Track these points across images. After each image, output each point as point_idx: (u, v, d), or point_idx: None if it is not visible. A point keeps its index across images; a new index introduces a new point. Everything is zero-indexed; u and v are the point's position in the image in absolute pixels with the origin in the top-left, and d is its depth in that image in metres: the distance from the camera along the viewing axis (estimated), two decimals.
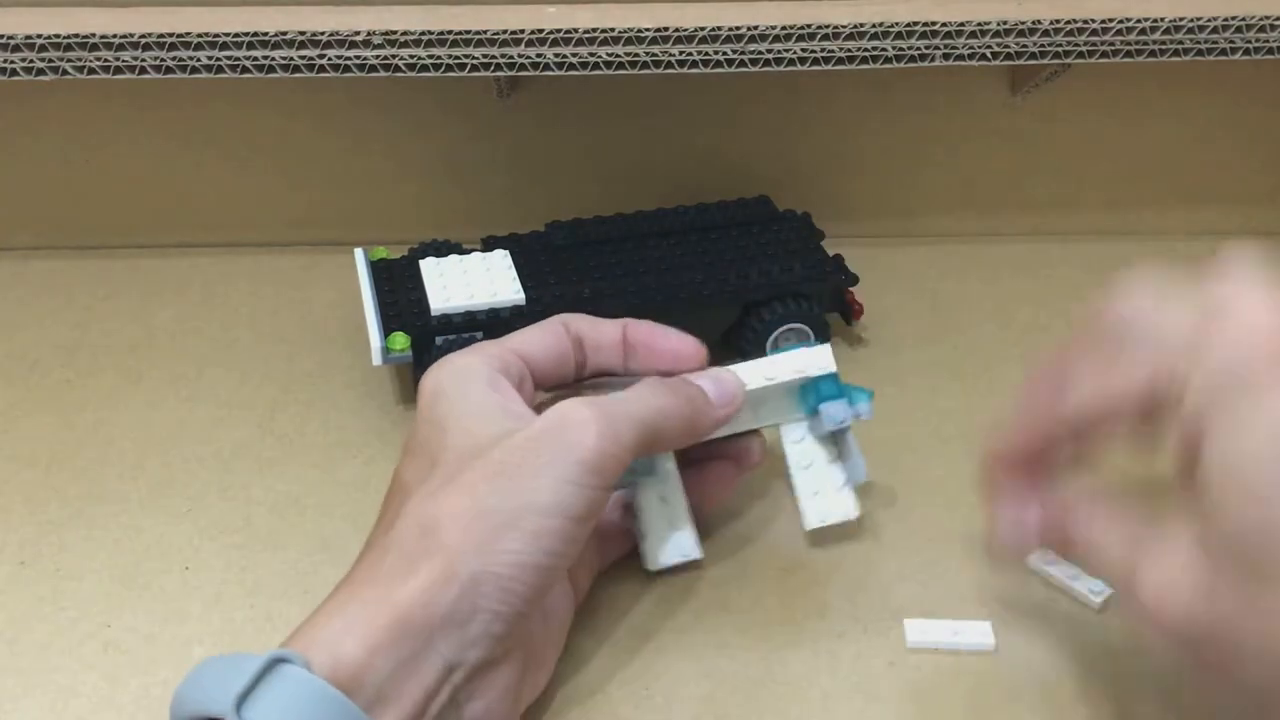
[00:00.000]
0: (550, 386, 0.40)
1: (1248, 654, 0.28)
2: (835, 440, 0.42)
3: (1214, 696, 0.30)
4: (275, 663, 0.29)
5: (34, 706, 0.37)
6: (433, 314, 0.48)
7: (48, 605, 0.40)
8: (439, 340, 0.47)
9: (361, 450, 0.47)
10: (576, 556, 0.35)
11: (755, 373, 0.41)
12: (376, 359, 0.46)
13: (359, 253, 0.52)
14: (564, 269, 0.51)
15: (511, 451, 0.33)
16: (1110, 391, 0.31)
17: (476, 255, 0.51)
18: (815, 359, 0.41)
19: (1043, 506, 0.35)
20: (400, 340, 0.47)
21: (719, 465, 0.42)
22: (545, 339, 0.39)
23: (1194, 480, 0.28)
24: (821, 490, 0.42)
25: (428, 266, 0.50)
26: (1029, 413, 0.34)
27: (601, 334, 0.40)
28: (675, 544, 0.40)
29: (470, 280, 0.49)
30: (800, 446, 0.42)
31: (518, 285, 0.49)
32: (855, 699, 0.37)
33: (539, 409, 0.37)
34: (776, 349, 0.48)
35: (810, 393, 0.41)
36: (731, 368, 0.41)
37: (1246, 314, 0.28)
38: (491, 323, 0.48)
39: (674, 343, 0.41)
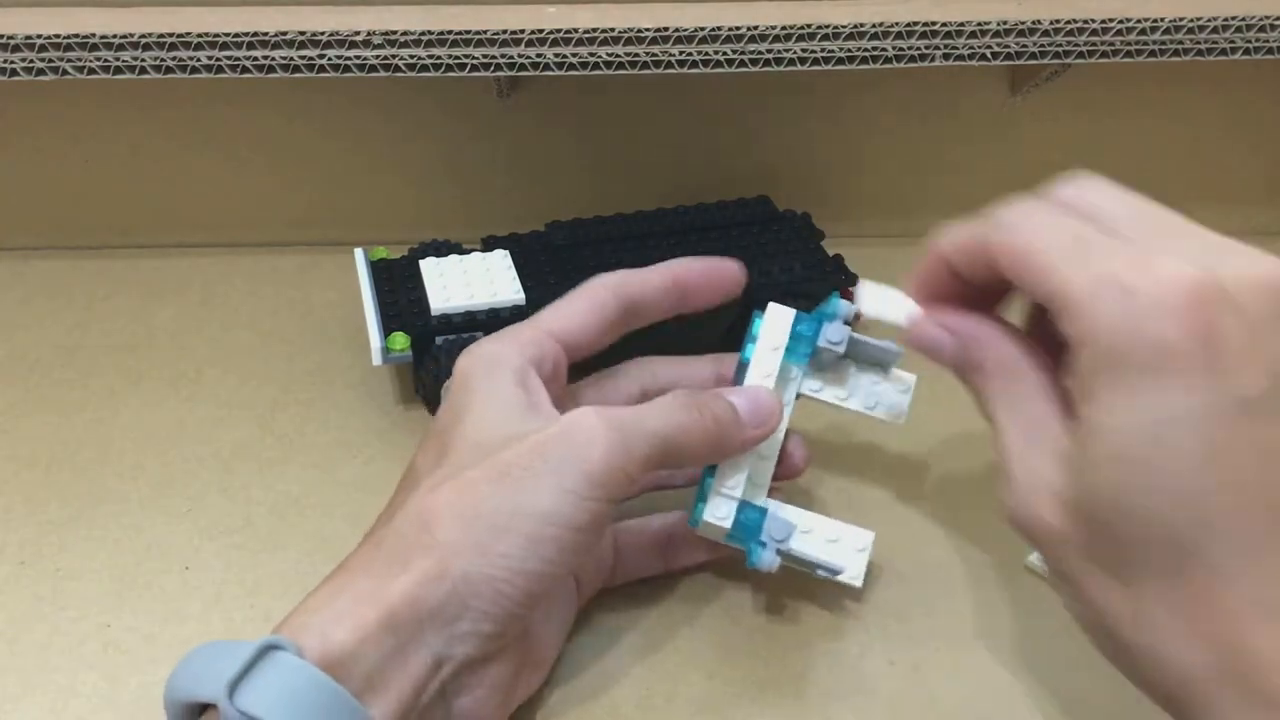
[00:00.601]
0: (591, 355, 0.39)
1: (1079, 596, 0.30)
2: (852, 357, 0.40)
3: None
4: (267, 649, 0.29)
5: (34, 706, 0.37)
6: (433, 314, 0.48)
7: (48, 605, 0.40)
8: (439, 340, 0.47)
9: (361, 450, 0.47)
10: (577, 565, 0.34)
11: (760, 374, 0.39)
12: (376, 359, 0.46)
13: (359, 253, 0.52)
14: (564, 269, 0.51)
15: (518, 454, 0.33)
16: (1023, 249, 0.31)
17: (476, 255, 0.51)
18: (779, 322, 0.39)
19: (972, 324, 0.35)
20: (400, 340, 0.47)
21: None
22: (587, 317, 0.38)
23: (1078, 407, 0.29)
24: (878, 397, 0.40)
25: (428, 266, 0.50)
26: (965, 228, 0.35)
27: (652, 287, 0.39)
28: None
29: (470, 280, 0.49)
30: (828, 389, 0.41)
31: (518, 285, 0.49)
32: (855, 699, 0.37)
33: (572, 396, 0.38)
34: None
35: (797, 346, 0.39)
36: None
37: (1156, 294, 0.27)
38: (491, 323, 0.48)
39: (723, 273, 0.40)
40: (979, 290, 0.35)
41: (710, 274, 0.40)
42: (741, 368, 0.39)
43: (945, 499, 0.44)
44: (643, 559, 0.40)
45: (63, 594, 0.41)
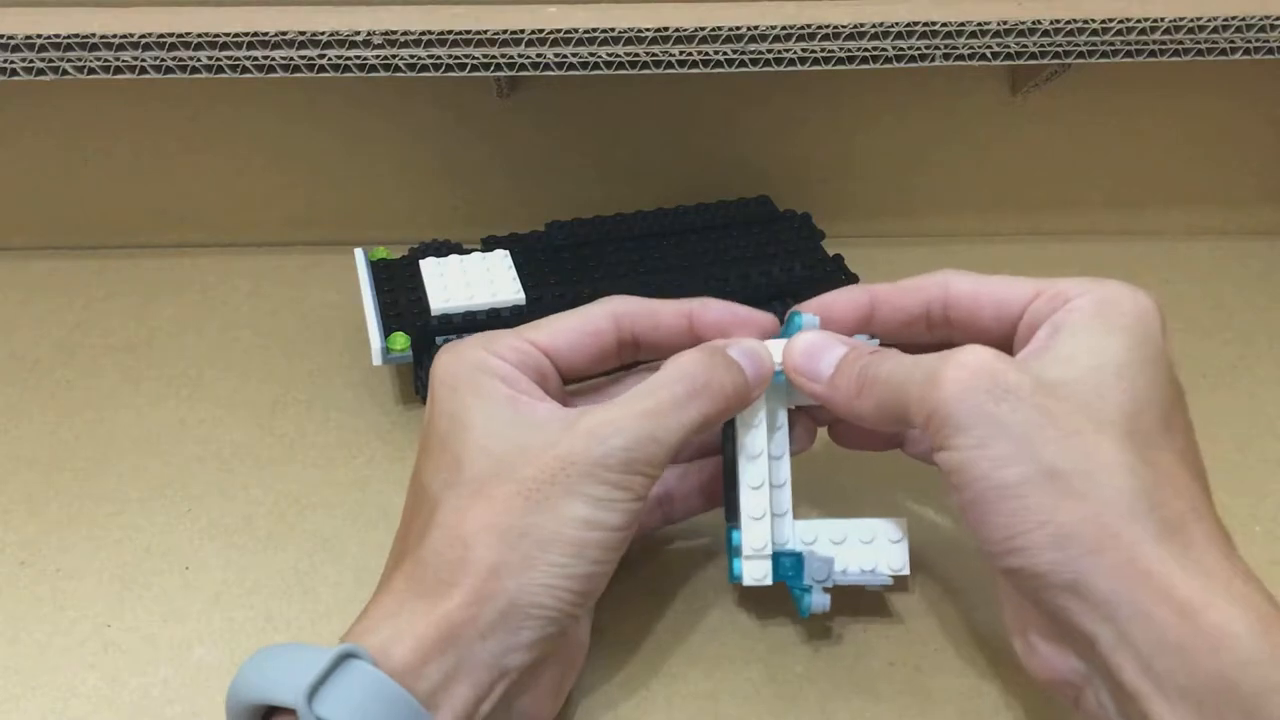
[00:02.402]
0: (584, 378, 0.39)
1: (1050, 438, 0.31)
2: None
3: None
4: (345, 657, 0.29)
5: (34, 706, 0.37)
6: (433, 314, 0.48)
7: (48, 605, 0.40)
8: (439, 340, 0.47)
9: (361, 450, 0.47)
10: (625, 549, 0.34)
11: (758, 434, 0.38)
12: (376, 359, 0.46)
13: (359, 253, 0.52)
14: (564, 269, 0.51)
15: (542, 469, 0.33)
16: (990, 285, 0.37)
17: (476, 255, 0.51)
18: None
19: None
20: (400, 340, 0.47)
21: None
22: (580, 338, 0.37)
23: (1042, 345, 0.33)
24: None
25: (428, 266, 0.50)
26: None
27: (662, 326, 0.38)
28: None
29: (470, 280, 0.49)
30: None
31: (518, 285, 0.49)
32: (855, 699, 0.37)
33: (575, 396, 0.38)
34: None
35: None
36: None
37: (1121, 298, 0.33)
38: (491, 323, 0.48)
39: (754, 325, 0.39)
40: None
41: (736, 326, 0.38)
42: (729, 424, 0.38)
43: (944, 498, 0.44)
44: (691, 502, 0.41)
45: (63, 594, 0.41)
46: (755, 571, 0.37)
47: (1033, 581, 0.31)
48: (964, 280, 0.37)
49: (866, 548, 0.39)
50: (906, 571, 0.38)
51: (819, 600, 0.37)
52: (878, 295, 0.38)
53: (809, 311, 0.38)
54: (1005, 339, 0.36)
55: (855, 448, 0.42)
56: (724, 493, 0.39)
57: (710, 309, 0.38)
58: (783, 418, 0.39)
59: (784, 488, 0.38)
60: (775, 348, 0.37)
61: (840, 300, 0.38)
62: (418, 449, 0.36)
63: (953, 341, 0.35)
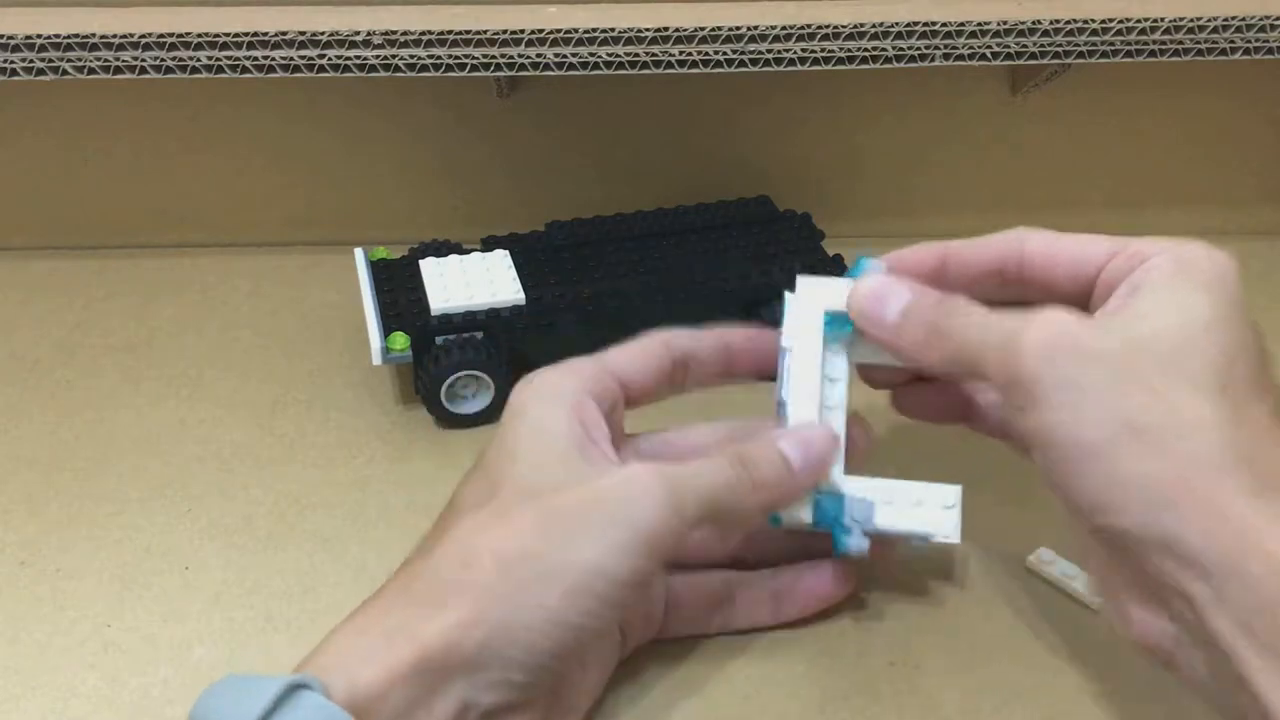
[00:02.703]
0: (645, 403, 0.39)
1: (1134, 396, 0.30)
2: None
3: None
4: (294, 688, 0.29)
5: (34, 706, 0.37)
6: (433, 314, 0.48)
7: (48, 605, 0.40)
8: (439, 340, 0.47)
9: (361, 450, 0.47)
10: (615, 620, 0.34)
11: (804, 366, 0.38)
12: (376, 359, 0.46)
13: (359, 253, 0.52)
14: (564, 269, 0.51)
15: (571, 502, 0.32)
16: (1065, 243, 0.36)
17: (476, 255, 0.51)
18: (810, 299, 0.38)
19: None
20: (400, 340, 0.47)
21: None
22: (645, 359, 0.38)
23: (1121, 304, 0.33)
24: None
25: (428, 266, 0.50)
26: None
27: (705, 350, 0.39)
28: None
29: (470, 280, 0.49)
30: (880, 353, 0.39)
31: (518, 285, 0.49)
32: (855, 699, 0.37)
33: (633, 446, 0.37)
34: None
35: (835, 320, 0.38)
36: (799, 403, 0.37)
37: (1201, 260, 0.33)
38: (491, 322, 0.48)
39: (763, 341, 0.39)
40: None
41: (753, 339, 0.40)
42: (781, 357, 0.38)
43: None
44: (698, 615, 0.39)
45: (63, 594, 0.41)
46: (795, 511, 0.36)
47: (1124, 539, 0.30)
48: (1039, 237, 0.36)
49: (915, 509, 0.38)
50: (957, 539, 0.37)
51: (857, 542, 0.37)
52: (950, 249, 0.37)
53: (891, 256, 0.37)
54: (1081, 297, 0.35)
55: (919, 418, 0.40)
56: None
57: (733, 329, 0.40)
58: (842, 369, 0.38)
59: (838, 439, 0.37)
60: (841, 289, 0.37)
61: (912, 253, 0.37)
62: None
63: (1025, 298, 0.35)
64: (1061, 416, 0.30)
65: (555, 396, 0.35)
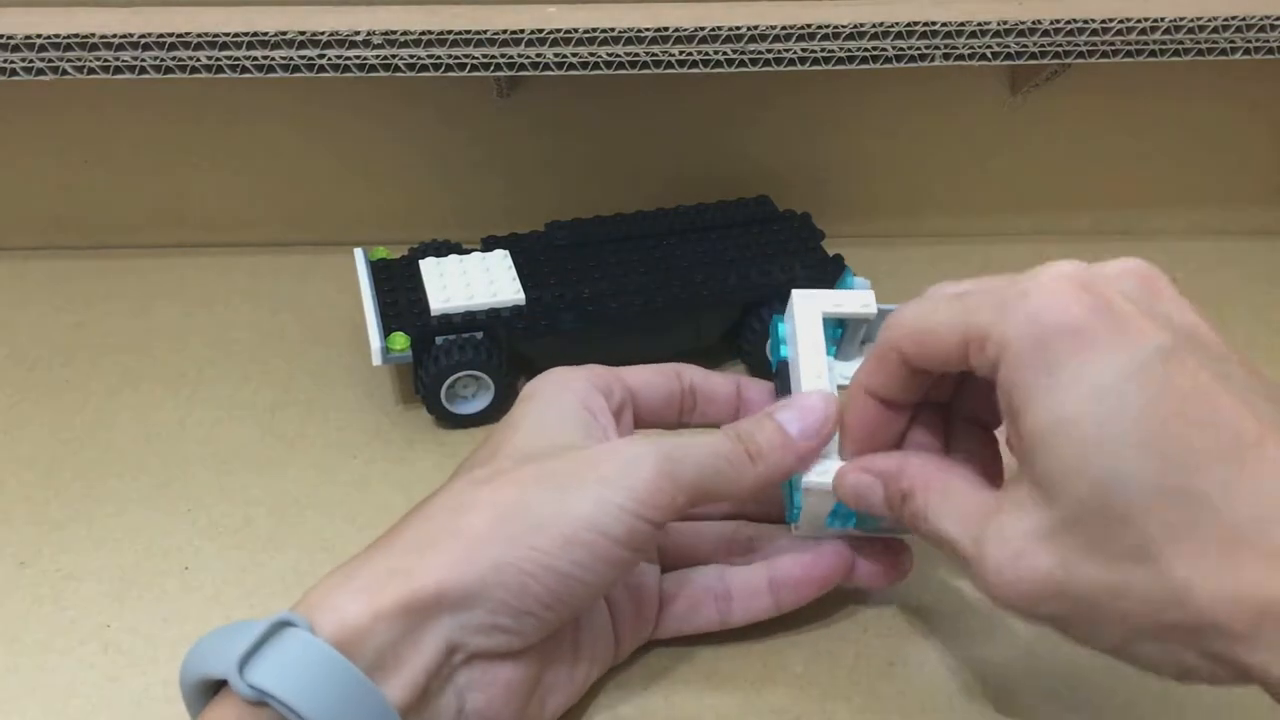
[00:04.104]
0: (652, 425, 0.39)
1: (1105, 616, 0.28)
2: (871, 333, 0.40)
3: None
4: (279, 626, 0.29)
5: (34, 706, 0.37)
6: (433, 314, 0.48)
7: (48, 605, 0.40)
8: (439, 340, 0.47)
9: (361, 450, 0.47)
10: (607, 584, 0.34)
11: (813, 374, 0.38)
12: (376, 359, 0.46)
13: (359, 253, 0.52)
14: (564, 269, 0.51)
15: (567, 462, 0.33)
16: (921, 335, 0.32)
17: (476, 255, 0.51)
18: (810, 311, 0.39)
19: (885, 459, 0.35)
20: (400, 340, 0.47)
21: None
22: (656, 377, 0.39)
23: (1016, 438, 0.30)
24: None
25: (428, 266, 0.50)
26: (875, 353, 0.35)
27: (714, 386, 0.40)
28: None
29: (470, 280, 0.49)
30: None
31: (518, 285, 0.49)
32: (855, 699, 0.37)
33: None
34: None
35: (825, 331, 0.39)
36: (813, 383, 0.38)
37: (1040, 294, 0.29)
38: (491, 322, 0.48)
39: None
40: (896, 414, 0.36)
41: (766, 392, 0.40)
42: (782, 369, 0.39)
43: None
44: (694, 612, 0.38)
45: (63, 594, 0.41)
46: (817, 471, 0.36)
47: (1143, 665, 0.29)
48: (905, 340, 0.33)
49: None
50: None
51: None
52: (875, 392, 0.35)
53: (849, 453, 0.36)
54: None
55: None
56: None
57: (754, 384, 0.40)
58: (833, 382, 0.39)
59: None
60: (833, 298, 0.39)
61: (859, 421, 0.36)
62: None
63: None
64: (1070, 638, 0.30)
65: (566, 386, 0.37)
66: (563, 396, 0.36)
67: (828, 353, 0.39)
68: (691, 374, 0.40)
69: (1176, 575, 0.26)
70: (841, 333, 0.41)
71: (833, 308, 0.39)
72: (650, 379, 0.39)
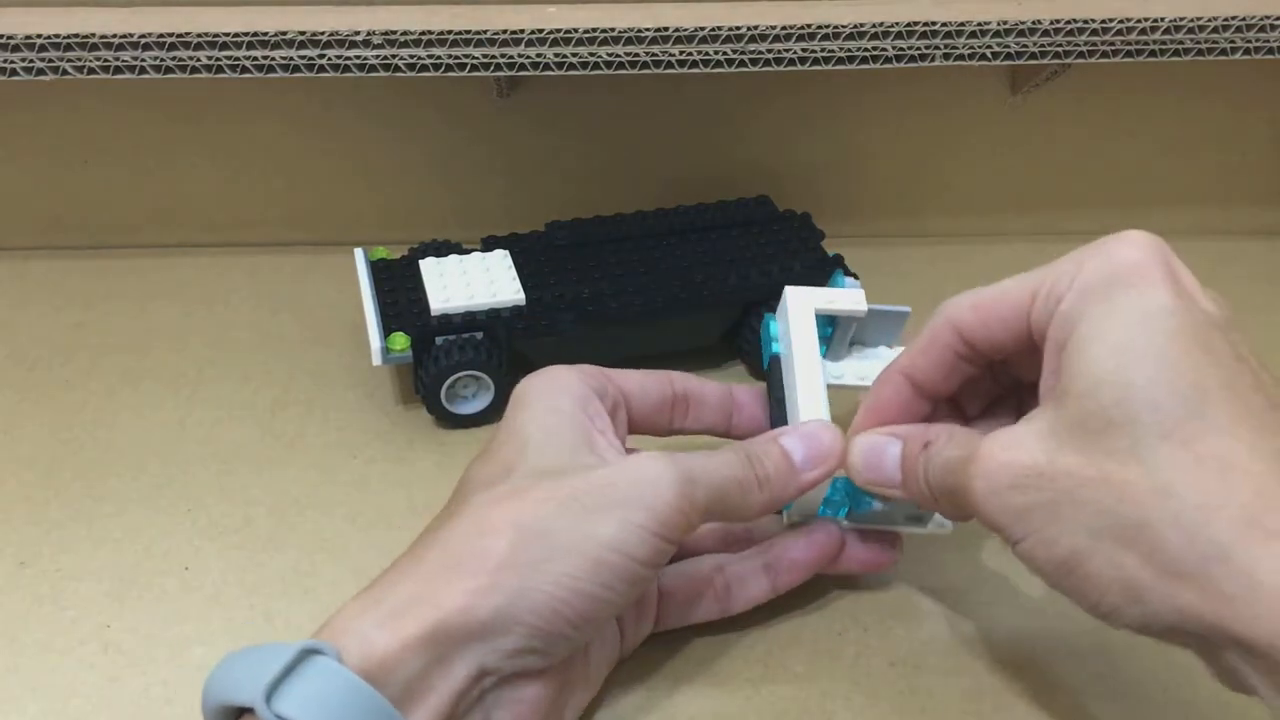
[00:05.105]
0: (643, 431, 0.40)
1: (1070, 510, 0.29)
2: (860, 333, 0.41)
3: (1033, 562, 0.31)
4: (306, 653, 0.29)
5: (34, 706, 0.37)
6: (433, 314, 0.48)
7: (48, 605, 0.40)
8: (439, 340, 0.47)
9: (361, 450, 0.47)
10: (630, 601, 0.34)
11: (808, 372, 0.39)
12: (376, 359, 0.46)
13: (359, 253, 0.52)
14: (564, 269, 0.51)
15: (588, 483, 0.33)
16: (986, 301, 0.34)
17: (476, 255, 0.51)
18: (804, 308, 0.40)
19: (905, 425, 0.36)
20: (400, 340, 0.47)
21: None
22: (647, 382, 0.39)
23: (1058, 375, 0.31)
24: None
25: (428, 266, 0.50)
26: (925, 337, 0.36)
27: (706, 392, 0.40)
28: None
29: (470, 280, 0.49)
30: (848, 374, 0.41)
31: (518, 285, 0.49)
32: (855, 699, 0.37)
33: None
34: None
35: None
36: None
37: (1119, 241, 0.32)
38: (491, 323, 0.48)
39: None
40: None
41: (759, 399, 0.41)
42: (774, 365, 0.40)
43: None
44: (693, 602, 0.39)
45: (63, 594, 0.41)
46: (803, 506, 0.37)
47: (1140, 630, 0.29)
48: (963, 311, 0.34)
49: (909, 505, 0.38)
50: (949, 528, 0.39)
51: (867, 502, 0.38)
52: (908, 370, 0.36)
53: (868, 428, 0.37)
54: (1034, 344, 0.34)
55: None
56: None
57: (746, 390, 0.41)
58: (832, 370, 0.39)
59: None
60: (824, 295, 0.40)
61: (877, 398, 0.37)
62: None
63: (1007, 367, 0.36)
64: (1030, 544, 0.30)
65: (561, 389, 0.36)
66: (560, 401, 0.36)
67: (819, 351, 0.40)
68: (684, 381, 0.40)
69: (1159, 477, 0.28)
70: (831, 331, 0.41)
71: (825, 304, 0.40)
72: (642, 382, 0.39)
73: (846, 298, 0.41)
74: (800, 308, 0.40)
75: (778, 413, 0.40)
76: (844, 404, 0.39)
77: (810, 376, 0.38)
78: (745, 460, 0.35)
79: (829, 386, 0.39)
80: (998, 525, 0.31)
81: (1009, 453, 0.31)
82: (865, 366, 0.42)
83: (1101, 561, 0.29)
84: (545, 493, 0.33)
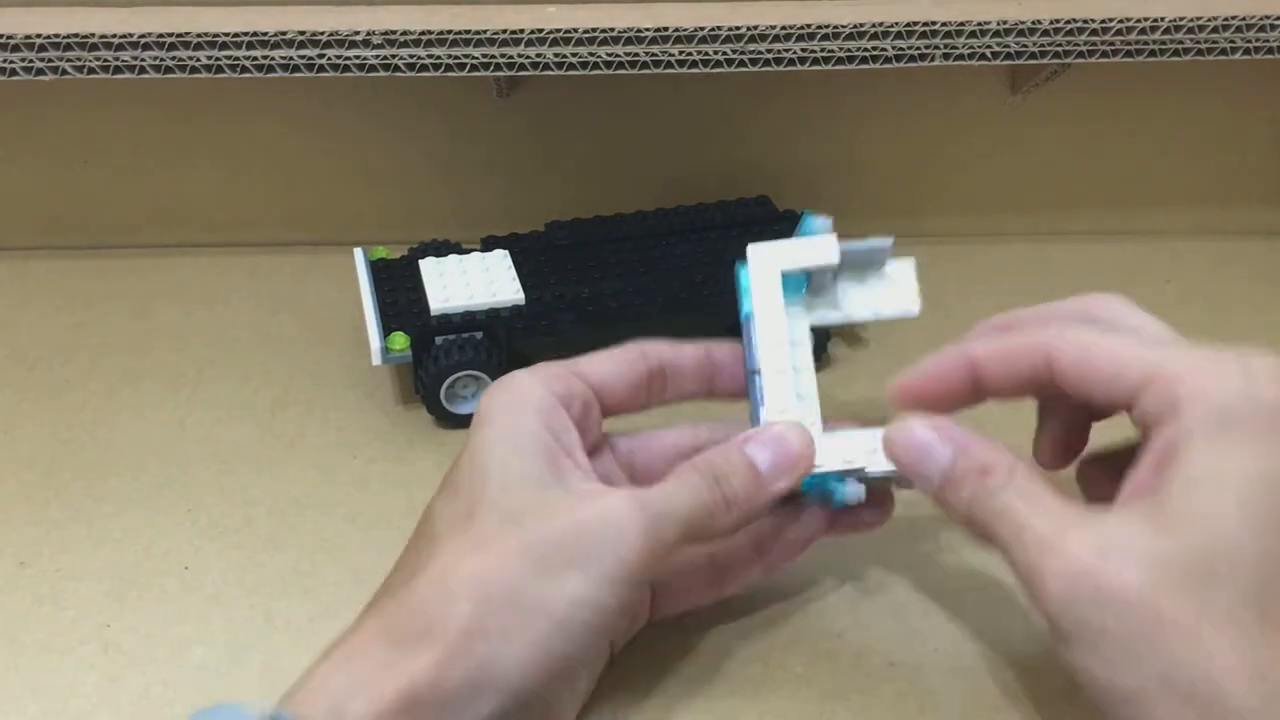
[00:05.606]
0: (620, 413, 0.38)
1: (1164, 646, 0.28)
2: (845, 267, 0.39)
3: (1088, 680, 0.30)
4: None
5: (34, 706, 0.37)
6: (432, 314, 0.48)
7: (48, 605, 0.40)
8: (439, 340, 0.47)
9: (361, 450, 0.47)
10: (607, 644, 0.33)
11: (770, 336, 0.37)
12: (376, 359, 0.46)
13: (359, 253, 0.52)
14: (564, 269, 0.51)
15: (553, 532, 0.32)
16: (1097, 357, 0.32)
17: (476, 255, 0.51)
18: (767, 267, 0.38)
19: (960, 430, 0.34)
20: (400, 340, 0.47)
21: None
22: (618, 367, 0.37)
23: (1155, 479, 0.29)
24: (884, 295, 0.39)
25: (427, 266, 0.50)
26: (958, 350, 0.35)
27: (684, 360, 0.38)
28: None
29: (470, 280, 0.49)
30: (834, 312, 0.39)
31: (518, 285, 0.49)
32: (855, 699, 0.37)
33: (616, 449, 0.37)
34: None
35: (790, 282, 0.38)
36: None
37: (1268, 371, 0.29)
38: (491, 323, 0.48)
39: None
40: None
41: (738, 355, 0.39)
42: (747, 328, 0.38)
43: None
44: (688, 590, 0.38)
45: (63, 594, 0.41)
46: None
47: None
48: (1069, 352, 0.32)
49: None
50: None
51: (853, 490, 0.36)
52: (976, 359, 0.34)
53: (909, 380, 0.36)
54: (1118, 407, 0.32)
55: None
56: (751, 409, 0.38)
57: (723, 346, 0.39)
58: (803, 331, 0.38)
59: (810, 400, 0.37)
60: (792, 249, 0.38)
61: (936, 367, 0.35)
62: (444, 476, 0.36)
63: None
64: (1091, 662, 0.29)
65: (523, 404, 0.35)
66: (523, 422, 0.34)
67: (798, 298, 0.38)
68: (659, 351, 0.38)
69: (1250, 655, 0.27)
70: (809, 279, 0.39)
71: (792, 263, 0.38)
72: (613, 370, 0.37)
73: (816, 249, 0.38)
74: (764, 272, 0.37)
75: (751, 383, 0.38)
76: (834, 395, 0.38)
77: (776, 356, 0.37)
78: (711, 481, 0.34)
79: (815, 330, 0.38)
80: (1060, 629, 0.30)
81: (1101, 565, 0.29)
82: (864, 293, 0.39)
83: (1165, 712, 0.28)
84: (509, 544, 0.31)
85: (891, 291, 0.39)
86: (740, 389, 0.39)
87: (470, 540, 0.32)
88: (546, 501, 0.33)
